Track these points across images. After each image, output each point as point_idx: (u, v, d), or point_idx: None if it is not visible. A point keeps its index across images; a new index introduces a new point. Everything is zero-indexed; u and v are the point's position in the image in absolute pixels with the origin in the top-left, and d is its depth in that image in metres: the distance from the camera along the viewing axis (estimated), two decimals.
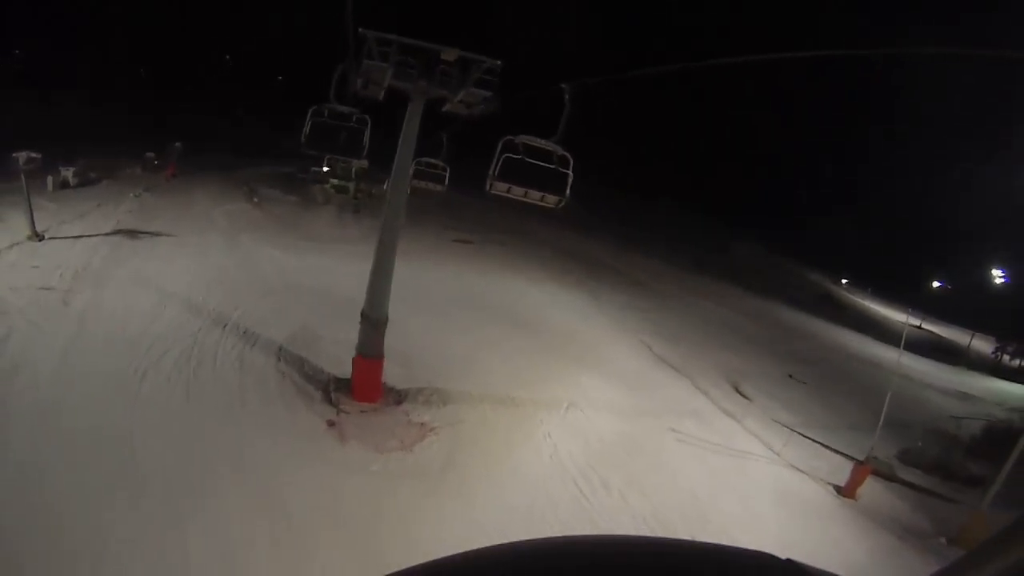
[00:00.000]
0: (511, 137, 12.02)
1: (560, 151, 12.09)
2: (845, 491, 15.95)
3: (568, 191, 12.41)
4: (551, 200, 12.44)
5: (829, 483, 16.11)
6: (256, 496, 9.66)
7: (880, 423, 16.66)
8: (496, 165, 11.99)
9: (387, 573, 1.14)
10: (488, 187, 12.38)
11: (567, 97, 11.66)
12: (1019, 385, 45.31)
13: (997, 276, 56.98)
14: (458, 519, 10.22)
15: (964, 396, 34.66)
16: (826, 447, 18.68)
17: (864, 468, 16.15)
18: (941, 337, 62.23)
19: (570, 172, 12.06)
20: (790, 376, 26.75)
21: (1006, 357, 59.00)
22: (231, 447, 10.86)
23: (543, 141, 12.08)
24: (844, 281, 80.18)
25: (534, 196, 12.69)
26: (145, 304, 16.48)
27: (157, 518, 8.65)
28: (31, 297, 15.62)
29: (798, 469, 16.49)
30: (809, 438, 19.22)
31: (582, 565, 1.22)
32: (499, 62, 11.75)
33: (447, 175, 20.06)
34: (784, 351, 31.37)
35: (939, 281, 73.08)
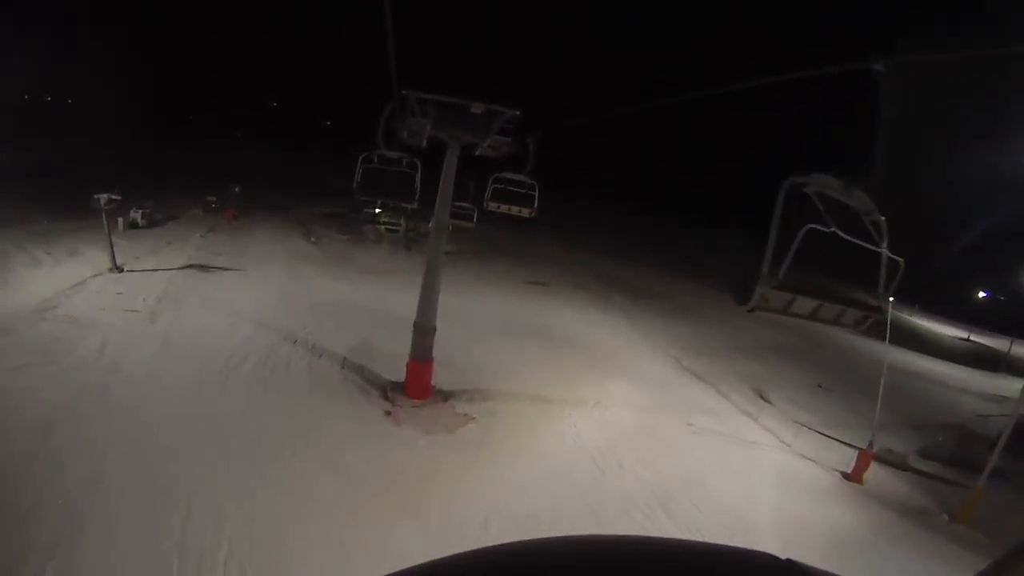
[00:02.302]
0: (497, 173, 16.26)
1: (529, 180, 16.23)
2: (852, 476, 16.71)
3: (535, 205, 16.55)
4: (525, 212, 16.53)
5: (837, 470, 16.96)
6: (322, 461, 11.81)
7: (878, 408, 17.64)
8: (488, 191, 16.48)
9: (387, 573, 1.17)
10: (485, 206, 16.85)
11: (531, 146, 15.92)
12: None
13: None
14: (488, 481, 12.25)
15: (1000, 399, 33.95)
16: (836, 440, 19.37)
17: (868, 454, 16.94)
18: (986, 347, 61.42)
19: (536, 194, 16.42)
20: (819, 386, 26.85)
21: None
22: (302, 426, 13.13)
23: (519, 176, 16.25)
24: (891, 299, 79.61)
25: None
26: (221, 324, 18.69)
27: (240, 472, 10.86)
28: (119, 316, 17.98)
29: (807, 458, 17.50)
30: (819, 432, 19.99)
31: (583, 565, 1.23)
32: (518, 112, 13.99)
33: (475, 213, 23.68)
34: (816, 363, 31.29)
35: (985, 292, 72.31)
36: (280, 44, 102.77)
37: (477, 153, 16.01)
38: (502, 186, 16.73)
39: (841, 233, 7.80)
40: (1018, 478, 18.80)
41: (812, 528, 13.23)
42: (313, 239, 37.81)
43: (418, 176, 14.89)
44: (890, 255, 8.41)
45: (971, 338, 61.96)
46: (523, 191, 16.65)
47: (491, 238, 42.74)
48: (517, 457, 13.63)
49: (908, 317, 71.61)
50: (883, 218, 8.17)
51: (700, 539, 11.09)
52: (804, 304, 8.48)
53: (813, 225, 7.72)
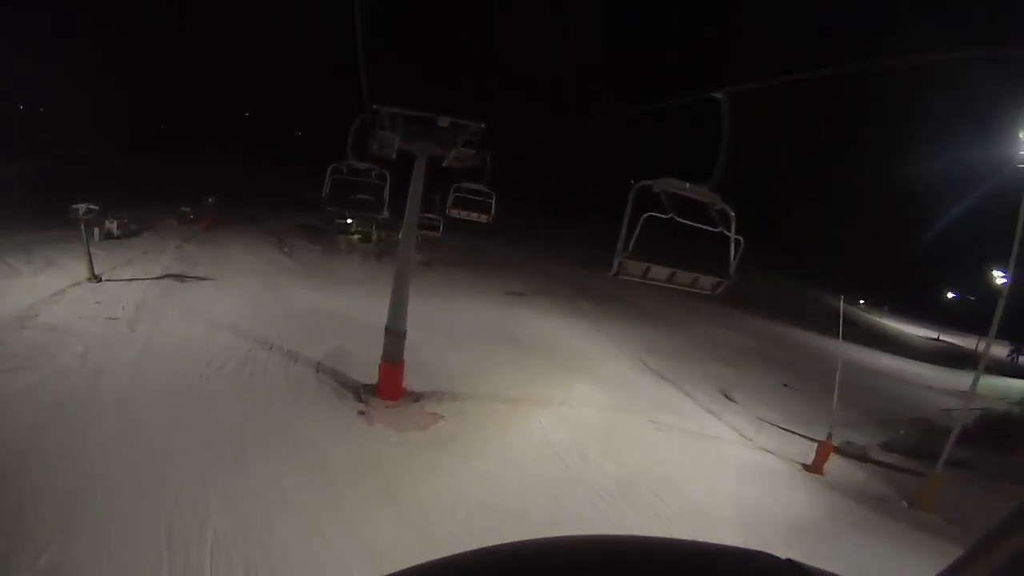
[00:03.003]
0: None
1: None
2: (812, 468, 17.41)
3: (492, 212, 17.83)
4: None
5: (798, 462, 17.71)
6: (302, 457, 12.36)
7: (835, 400, 18.55)
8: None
9: (387, 574, 1.16)
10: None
11: (488, 160, 16.53)
12: None
13: (998, 277, 58.17)
14: (458, 473, 12.89)
15: (967, 395, 35.16)
16: (797, 434, 20.16)
17: (827, 445, 17.62)
18: (955, 345, 62.87)
19: (492, 201, 17.75)
20: (784, 385, 27.76)
21: (1022, 359, 59.60)
22: (282, 425, 13.67)
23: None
24: (861, 302, 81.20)
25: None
26: (199, 331, 19.09)
27: (224, 467, 11.35)
28: (100, 325, 18.26)
29: (768, 451, 18.29)
30: (781, 427, 20.77)
31: (582, 565, 1.24)
32: (483, 126, 14.68)
33: (441, 224, 24.89)
34: (783, 364, 32.16)
35: (954, 292, 74.05)
36: (253, 54, 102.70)
37: (444, 164, 16.63)
38: (462, 195, 18.13)
39: (678, 218, 9.21)
40: (982, 469, 19.81)
41: (771, 515, 13.87)
42: (287, 249, 38.22)
43: (387, 187, 15.14)
44: (730, 234, 9.50)
45: (941, 338, 63.37)
46: (481, 199, 18.09)
47: (463, 249, 43.61)
48: (485, 452, 14.22)
49: (878, 319, 73.27)
50: (726, 206, 9.43)
51: (660, 524, 11.75)
52: (660, 271, 9.72)
53: (652, 213, 9.16)
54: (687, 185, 9.32)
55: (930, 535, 14.31)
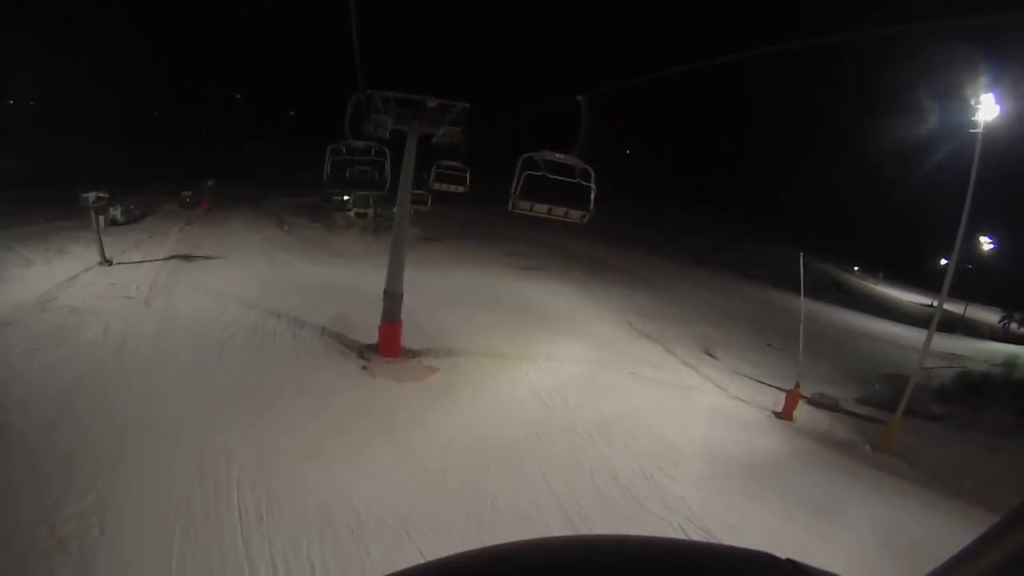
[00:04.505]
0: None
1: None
2: (782, 415, 18.34)
3: (468, 183, 19.64)
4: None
5: (769, 410, 18.70)
6: (314, 403, 13.94)
7: (800, 348, 19.48)
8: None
9: (387, 574, 1.15)
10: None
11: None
12: (1020, 347, 45.69)
13: (986, 243, 59.27)
14: (451, 414, 14.49)
15: (952, 356, 35.56)
16: (770, 385, 21.13)
17: (794, 393, 18.56)
18: (947, 311, 63.70)
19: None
20: (768, 345, 28.34)
21: (1014, 325, 60.62)
22: (293, 379, 15.22)
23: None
24: (855, 268, 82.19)
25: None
26: (210, 305, 20.48)
27: (243, 416, 12.81)
28: (117, 303, 19.66)
29: (741, 400, 19.37)
30: (756, 380, 21.82)
31: (582, 565, 1.24)
32: (468, 105, 16.11)
33: (430, 199, 27.67)
34: (770, 327, 32.54)
35: (947, 259, 74.73)
36: (244, 36, 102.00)
37: (433, 142, 17.89)
38: (443, 171, 20.98)
39: (548, 175, 13.08)
40: (953, 423, 20.98)
41: (736, 452, 15.01)
42: (286, 227, 39.73)
43: (388, 163, 16.53)
44: (588, 184, 13.21)
45: (935, 303, 64.10)
46: (458, 173, 20.88)
47: (461, 221, 45.32)
48: (475, 398, 15.74)
49: (872, 286, 74.28)
50: (587, 167, 13.23)
51: (631, 457, 13.14)
52: (540, 207, 13.44)
53: (529, 171, 12.96)
54: (558, 155, 13.19)
55: (889, 475, 15.30)
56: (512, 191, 13.12)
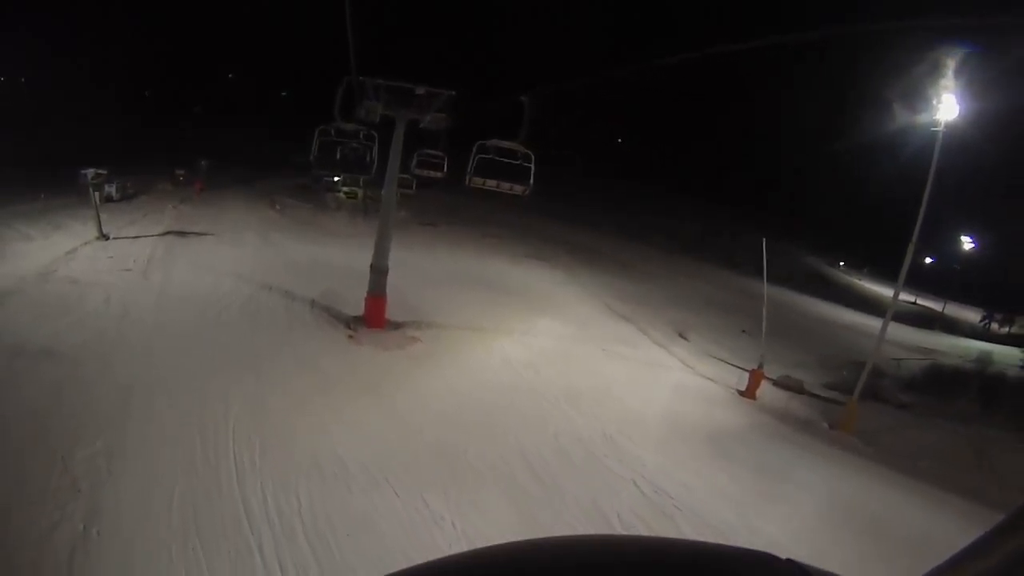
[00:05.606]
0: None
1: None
2: (746, 393, 19.14)
3: (445, 170, 20.79)
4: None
5: (733, 388, 19.61)
6: (304, 366, 15.06)
7: (763, 328, 20.66)
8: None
9: (387, 574, 1.14)
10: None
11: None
12: (999, 346, 45.78)
13: (966, 242, 60.59)
14: (431, 378, 15.70)
15: (926, 351, 36.40)
16: (736, 366, 22.02)
17: (758, 372, 19.37)
18: (928, 308, 65.09)
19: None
20: (743, 331, 28.72)
21: (994, 325, 61.79)
22: (284, 345, 16.31)
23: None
24: (841, 263, 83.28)
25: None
26: (206, 278, 21.33)
27: (239, 376, 13.78)
28: (117, 275, 20.34)
29: (707, 378, 20.35)
30: (725, 362, 22.78)
31: (582, 565, 1.23)
32: (454, 93, 17.13)
33: (414, 183, 29.65)
34: (748, 315, 31.59)
35: (932, 258, 76.04)
36: (237, 15, 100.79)
37: (421, 126, 18.77)
38: (424, 158, 21.74)
39: (497, 158, 16.64)
40: (918, 410, 21.83)
41: (697, 423, 15.98)
42: (278, 208, 40.57)
43: (375, 147, 17.66)
44: (529, 165, 16.86)
45: (917, 301, 65.38)
46: (437, 160, 21.59)
47: (450, 207, 46.32)
48: (454, 365, 16.96)
49: (856, 281, 75.45)
50: (528, 151, 16.70)
51: (597, 424, 14.23)
52: (491, 182, 16.93)
53: (482, 154, 16.57)
54: (504, 142, 16.56)
55: (843, 450, 16.13)
56: (468, 170, 16.85)
